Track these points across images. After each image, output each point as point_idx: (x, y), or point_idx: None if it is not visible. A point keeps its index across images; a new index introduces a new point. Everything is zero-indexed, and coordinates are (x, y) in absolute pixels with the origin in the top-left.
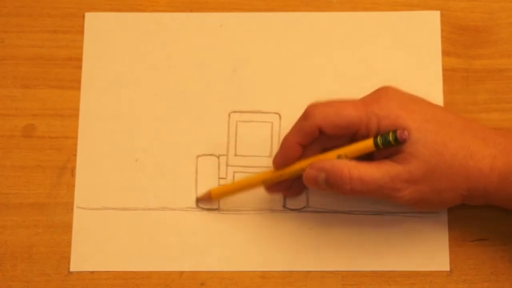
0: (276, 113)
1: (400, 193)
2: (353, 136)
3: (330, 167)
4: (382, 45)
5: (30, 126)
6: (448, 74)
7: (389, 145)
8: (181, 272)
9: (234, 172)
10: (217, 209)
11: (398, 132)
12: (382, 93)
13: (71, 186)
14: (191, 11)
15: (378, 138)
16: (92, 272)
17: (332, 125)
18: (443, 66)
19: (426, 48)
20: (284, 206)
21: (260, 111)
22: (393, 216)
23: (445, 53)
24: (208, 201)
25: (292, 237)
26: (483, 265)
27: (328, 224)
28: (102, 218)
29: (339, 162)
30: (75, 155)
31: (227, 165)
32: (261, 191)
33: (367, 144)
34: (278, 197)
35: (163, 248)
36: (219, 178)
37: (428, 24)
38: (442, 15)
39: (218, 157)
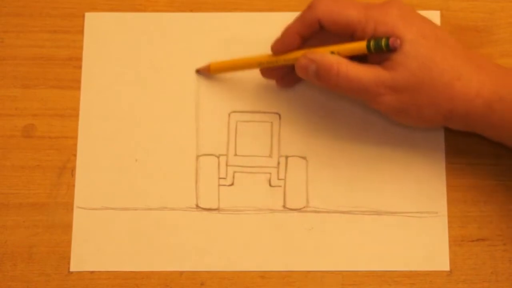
0: (276, 113)
1: (381, 98)
2: (351, 38)
3: (321, 60)
4: None
5: (30, 126)
6: None
7: (380, 50)
8: (181, 272)
9: (234, 172)
10: (217, 209)
11: (391, 40)
12: (388, 2)
13: (71, 186)
14: (191, 11)
15: (371, 42)
16: (92, 272)
17: (331, 21)
18: None
19: None
20: (284, 206)
21: (260, 111)
22: (393, 216)
23: None
24: (206, 74)
25: (292, 237)
26: (483, 265)
27: (328, 224)
28: (102, 218)
29: (330, 56)
30: (75, 155)
31: (227, 165)
32: (260, 193)
33: (359, 46)
34: (278, 197)
35: (163, 248)
36: (219, 178)
37: None
38: (442, 15)
39: (218, 157)
